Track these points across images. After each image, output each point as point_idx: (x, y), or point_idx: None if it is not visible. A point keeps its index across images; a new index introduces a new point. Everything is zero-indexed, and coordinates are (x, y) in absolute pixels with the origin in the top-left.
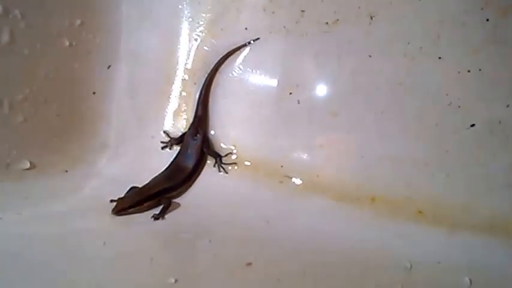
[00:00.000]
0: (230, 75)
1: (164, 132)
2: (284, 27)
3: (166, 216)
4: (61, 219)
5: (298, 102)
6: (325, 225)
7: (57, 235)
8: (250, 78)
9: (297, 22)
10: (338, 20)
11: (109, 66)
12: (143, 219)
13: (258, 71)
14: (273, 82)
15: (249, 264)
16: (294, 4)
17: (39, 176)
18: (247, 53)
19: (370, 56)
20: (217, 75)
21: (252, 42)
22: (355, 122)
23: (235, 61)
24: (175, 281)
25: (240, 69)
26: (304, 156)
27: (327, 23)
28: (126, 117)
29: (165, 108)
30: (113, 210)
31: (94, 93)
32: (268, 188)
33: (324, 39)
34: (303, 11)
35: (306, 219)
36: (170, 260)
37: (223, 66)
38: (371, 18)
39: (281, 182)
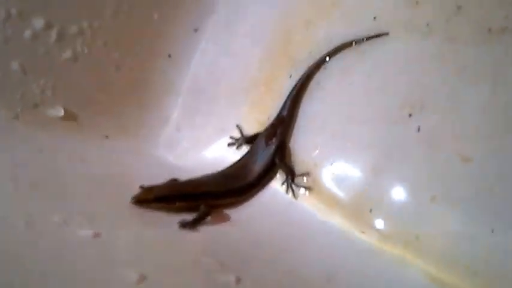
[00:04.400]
0: (336, 75)
1: (237, 126)
2: (427, 25)
3: (198, 228)
4: None
5: (418, 130)
6: None
7: None
8: (361, 83)
9: (447, 21)
10: (507, 28)
11: (196, 30)
12: (165, 221)
13: (373, 76)
14: (389, 95)
15: None
16: None
17: (71, 133)
18: (366, 50)
19: None
20: (321, 71)
21: (377, 37)
22: (495, 178)
23: (347, 58)
24: None
25: (352, 69)
26: (407, 206)
27: (489, 29)
28: (197, 96)
29: (246, 98)
30: (133, 197)
31: (169, 56)
32: (343, 234)
33: (479, 50)
34: (459, 7)
35: None
36: None
37: (331, 61)
38: None
39: (363, 232)
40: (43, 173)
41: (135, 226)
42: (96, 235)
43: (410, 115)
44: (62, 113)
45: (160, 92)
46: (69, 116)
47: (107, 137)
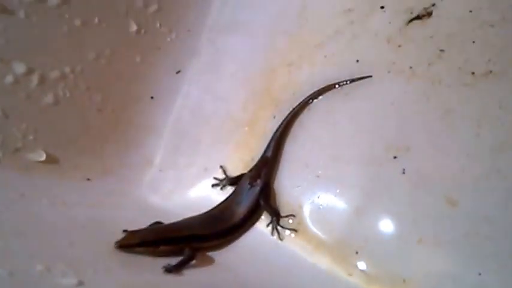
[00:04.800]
0: (320, 116)
1: (221, 167)
2: (410, 68)
3: (183, 272)
4: None
5: (403, 172)
6: None
7: None
8: (345, 125)
9: (429, 64)
10: (491, 72)
11: (178, 72)
12: (150, 266)
13: (357, 118)
14: (374, 137)
15: None
16: (431, 40)
17: (52, 176)
18: (350, 92)
19: None
20: (304, 112)
21: (361, 79)
22: (482, 221)
23: (331, 99)
24: None
25: (335, 110)
26: (393, 249)
27: (473, 73)
28: (181, 137)
29: (230, 139)
30: (116, 242)
31: (152, 97)
32: (331, 277)
33: (463, 93)
34: (442, 50)
35: None
36: None
37: (314, 103)
38: None
39: (350, 275)
40: (24, 219)
41: (119, 272)
42: (80, 283)
43: (395, 157)
44: (43, 157)
45: (143, 133)
46: (50, 159)
47: (88, 179)
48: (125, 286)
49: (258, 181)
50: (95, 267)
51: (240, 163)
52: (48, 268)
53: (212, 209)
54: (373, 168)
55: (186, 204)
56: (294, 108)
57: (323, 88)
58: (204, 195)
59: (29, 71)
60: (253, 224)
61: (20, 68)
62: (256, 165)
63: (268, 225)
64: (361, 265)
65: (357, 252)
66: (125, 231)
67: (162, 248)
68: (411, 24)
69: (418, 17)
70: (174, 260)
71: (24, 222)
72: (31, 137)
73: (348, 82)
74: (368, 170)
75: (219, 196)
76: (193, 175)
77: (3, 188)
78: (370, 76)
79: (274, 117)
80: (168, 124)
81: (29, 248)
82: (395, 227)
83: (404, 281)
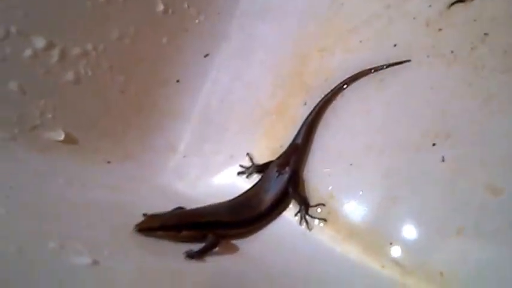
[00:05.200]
0: (353, 103)
1: (248, 154)
2: (451, 52)
3: (206, 258)
4: None
5: (443, 160)
6: None
7: None
8: (380, 112)
9: (472, 48)
10: None
11: (206, 55)
12: (169, 251)
13: (393, 105)
14: (411, 124)
15: None
16: (474, 23)
17: (71, 157)
18: (386, 78)
19: None
20: (337, 99)
21: (399, 64)
22: None
23: (366, 85)
24: None
25: (370, 97)
26: (430, 240)
27: None
28: (207, 123)
29: (257, 126)
30: (136, 225)
31: (178, 81)
32: (363, 269)
33: (506, 78)
34: (486, 34)
35: None
36: None
37: (348, 89)
38: None
39: (383, 266)
40: (39, 197)
41: (137, 255)
42: (95, 263)
43: (434, 144)
44: (62, 136)
45: (168, 118)
46: (69, 140)
47: (109, 162)
48: (143, 269)
49: (287, 168)
50: (112, 249)
51: (267, 151)
52: (62, 246)
53: (238, 196)
54: (410, 156)
55: (211, 191)
56: (326, 95)
57: (358, 74)
58: (229, 182)
59: (49, 46)
60: (281, 212)
61: (39, 42)
62: (285, 152)
63: (296, 215)
64: (396, 256)
65: (391, 243)
66: (144, 214)
67: (184, 233)
68: (453, 7)
69: (460, 0)
70: (196, 247)
71: (39, 201)
72: (49, 115)
73: (385, 67)
74: (405, 158)
75: (244, 184)
76: (219, 162)
77: (19, 166)
78: (409, 60)
79: (305, 103)
80: (195, 110)
81: (43, 226)
82: (433, 217)
83: (441, 274)
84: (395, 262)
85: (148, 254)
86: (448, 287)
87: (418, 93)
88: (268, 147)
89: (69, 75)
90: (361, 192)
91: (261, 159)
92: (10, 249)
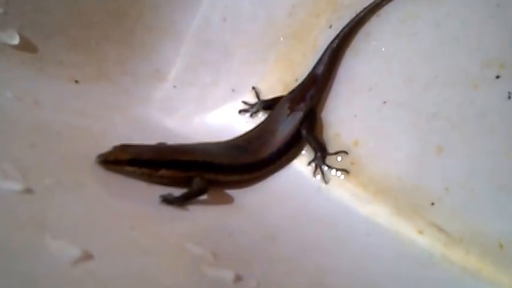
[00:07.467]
0: (393, 24)
1: (253, 88)
2: None
3: (188, 206)
4: None
5: (509, 97)
6: None
7: None
8: (428, 36)
9: None
10: None
11: None
12: (141, 191)
13: (445, 26)
14: (467, 51)
15: None
16: None
17: (26, 67)
18: None
19: None
20: (372, 20)
21: None
22: None
23: (409, 3)
24: None
25: (415, 17)
26: (486, 201)
27: None
28: (205, 46)
29: (268, 52)
30: (99, 155)
31: None
32: (393, 234)
33: None
34: None
35: None
36: None
37: (386, 6)
38: None
39: (420, 232)
40: None
41: (91, 191)
42: (27, 191)
43: (497, 77)
44: (16, 40)
45: (155, 35)
46: (26, 46)
47: (76, 81)
48: (93, 209)
49: (302, 105)
50: (56, 179)
51: (279, 85)
52: None
53: (238, 137)
54: (466, 92)
55: (204, 131)
56: (357, 14)
57: None
58: (228, 122)
59: None
60: (290, 160)
61: None
62: (301, 84)
63: (310, 164)
64: (438, 221)
65: (432, 204)
66: (115, 147)
67: (162, 171)
68: None
69: None
70: (178, 192)
71: None
72: (0, 10)
73: None
74: (457, 95)
75: (247, 125)
76: (217, 96)
77: None
78: None
79: (331, 26)
80: (190, 27)
81: None
82: (491, 172)
83: (501, 246)
84: (437, 227)
85: (108, 192)
86: (509, 263)
87: (478, 12)
88: (280, 81)
89: None
90: (395, 139)
91: (269, 96)
92: None
